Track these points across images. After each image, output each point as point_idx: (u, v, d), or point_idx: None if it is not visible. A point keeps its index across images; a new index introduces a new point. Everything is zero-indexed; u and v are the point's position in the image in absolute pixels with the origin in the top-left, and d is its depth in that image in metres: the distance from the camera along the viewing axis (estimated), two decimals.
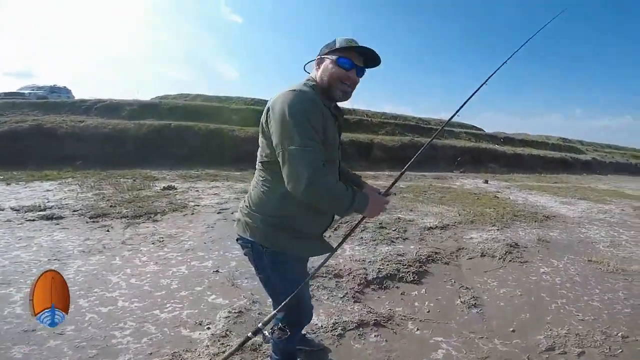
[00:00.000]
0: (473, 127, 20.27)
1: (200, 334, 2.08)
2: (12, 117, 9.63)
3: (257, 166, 1.35)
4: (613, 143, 29.27)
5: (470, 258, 3.60)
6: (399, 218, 4.93)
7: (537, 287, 2.99)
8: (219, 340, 2.00)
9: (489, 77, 1.58)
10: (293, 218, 1.28)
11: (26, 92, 16.31)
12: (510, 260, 3.55)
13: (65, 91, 18.20)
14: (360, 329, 2.20)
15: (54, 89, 17.60)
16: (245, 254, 1.38)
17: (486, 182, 10.31)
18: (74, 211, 4.44)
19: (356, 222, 1.49)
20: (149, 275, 2.81)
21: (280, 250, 1.30)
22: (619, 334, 2.30)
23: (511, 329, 2.33)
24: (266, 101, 1.28)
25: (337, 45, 1.28)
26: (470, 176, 11.72)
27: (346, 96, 1.32)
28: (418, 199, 6.69)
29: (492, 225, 4.92)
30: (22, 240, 3.46)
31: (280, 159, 1.15)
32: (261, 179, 1.31)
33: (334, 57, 1.27)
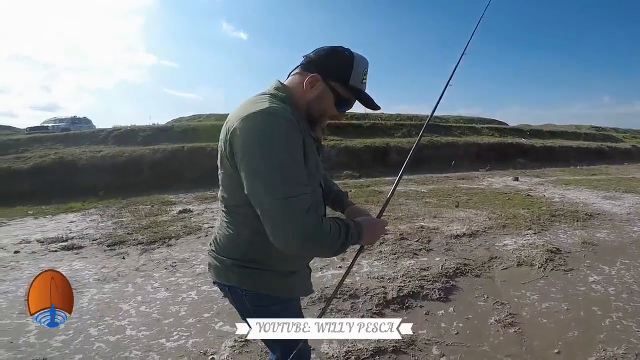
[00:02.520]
0: (494, 121, 19.44)
1: None
2: (36, 151, 10.02)
3: (219, 204, 1.11)
4: None
5: (505, 268, 3.24)
6: (421, 227, 4.59)
7: (587, 300, 2.61)
8: None
9: (452, 73, 1.41)
10: (268, 258, 1.05)
11: (49, 125, 16.91)
12: (552, 269, 3.17)
13: (86, 121, 18.97)
14: (377, 357, 1.98)
15: (74, 120, 18.23)
16: (225, 297, 1.17)
17: (516, 179, 9.71)
18: (94, 240, 4.50)
19: (355, 254, 1.22)
20: (158, 303, 2.75)
21: (262, 293, 1.08)
22: None
23: (556, 350, 2.01)
24: None
25: (351, 82, 1.02)
26: (498, 174, 11.09)
27: (324, 131, 1.13)
28: (442, 203, 6.30)
29: (528, 229, 4.49)
30: None
31: (259, 211, 0.89)
32: (225, 221, 1.08)
33: (336, 97, 1.03)
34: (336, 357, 1.96)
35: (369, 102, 1.07)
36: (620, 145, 17.87)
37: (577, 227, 4.64)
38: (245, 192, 0.90)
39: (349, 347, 2.03)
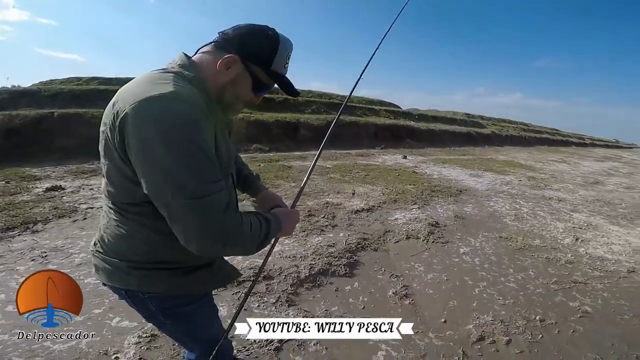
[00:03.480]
0: (391, 104, 21.21)
1: None
2: None
3: (104, 198, 0.93)
4: (507, 118, 33.28)
5: (397, 241, 3.67)
6: (327, 202, 4.86)
7: (460, 270, 3.14)
8: None
9: (365, 66, 1.57)
10: (174, 256, 0.94)
11: None
12: (433, 242, 3.71)
13: None
14: (298, 338, 2.05)
15: None
16: (121, 299, 1.02)
17: (405, 157, 10.88)
18: None
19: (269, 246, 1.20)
20: None
21: (167, 295, 0.98)
22: (537, 318, 2.47)
23: (443, 320, 2.38)
24: None
25: (274, 68, 0.94)
26: (390, 152, 12.26)
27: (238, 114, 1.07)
28: (344, 178, 6.72)
29: (414, 204, 5.13)
30: None
31: (164, 214, 0.78)
32: (114, 219, 0.92)
33: (255, 82, 0.94)
34: (258, 342, 1.99)
35: (289, 89, 1.00)
36: (484, 131, 21.42)
37: (450, 201, 5.48)
38: (145, 191, 0.78)
39: None
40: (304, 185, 1.30)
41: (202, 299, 1.09)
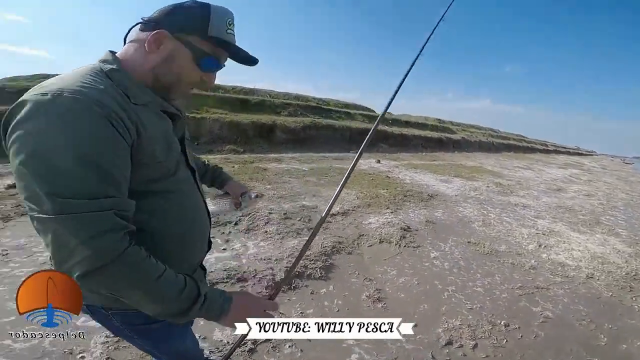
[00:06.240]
0: (366, 108, 21.60)
1: None
2: None
3: None
4: (476, 123, 34.48)
5: (370, 245, 3.75)
6: (303, 206, 4.90)
7: (431, 274, 3.24)
8: None
9: (406, 75, 1.40)
10: None
11: None
12: (405, 246, 3.82)
13: None
14: (273, 340, 2.07)
15: None
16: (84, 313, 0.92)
17: (378, 162, 11.13)
18: None
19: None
20: None
21: (133, 310, 0.85)
22: (502, 322, 2.55)
23: (414, 324, 2.45)
24: None
25: (212, 33, 0.82)
26: (365, 156, 12.46)
27: (188, 100, 1.00)
28: (320, 182, 6.80)
29: (387, 208, 5.25)
30: None
31: (34, 225, 0.68)
32: None
33: (194, 53, 0.82)
34: (232, 343, 1.98)
35: (242, 56, 0.88)
36: (454, 136, 22.28)
37: (422, 206, 5.65)
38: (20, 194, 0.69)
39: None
40: (338, 194, 1.22)
41: None
